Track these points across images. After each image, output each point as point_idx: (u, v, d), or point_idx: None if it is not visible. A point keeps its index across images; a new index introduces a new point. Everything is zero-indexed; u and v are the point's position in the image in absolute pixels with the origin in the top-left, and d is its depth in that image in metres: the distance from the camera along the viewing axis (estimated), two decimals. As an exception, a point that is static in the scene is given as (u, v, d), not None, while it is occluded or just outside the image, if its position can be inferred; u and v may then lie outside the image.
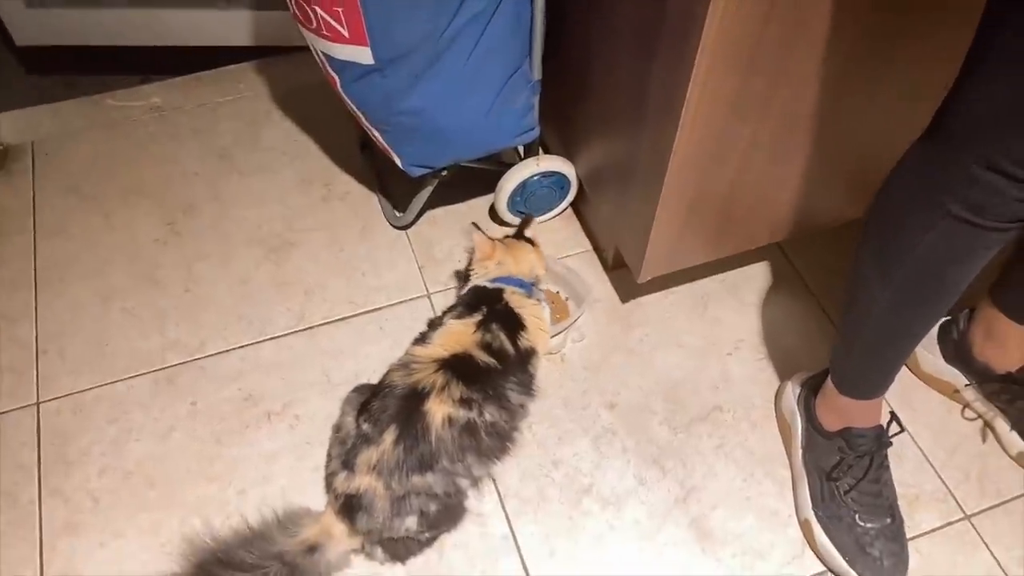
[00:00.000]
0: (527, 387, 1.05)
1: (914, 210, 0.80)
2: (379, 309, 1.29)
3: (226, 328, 1.26)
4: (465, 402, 0.97)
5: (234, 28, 1.60)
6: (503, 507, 1.09)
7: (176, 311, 1.28)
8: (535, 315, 1.09)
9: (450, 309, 1.10)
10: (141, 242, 1.37)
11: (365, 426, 0.97)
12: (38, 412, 1.17)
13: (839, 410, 1.05)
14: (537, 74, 1.16)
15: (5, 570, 1.03)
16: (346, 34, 1.02)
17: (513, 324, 1.05)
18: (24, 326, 1.26)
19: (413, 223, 1.37)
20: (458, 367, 0.99)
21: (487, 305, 1.07)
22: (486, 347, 1.02)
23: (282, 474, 1.12)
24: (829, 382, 1.05)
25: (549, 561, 1.05)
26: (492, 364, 1.01)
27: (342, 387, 1.14)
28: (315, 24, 1.04)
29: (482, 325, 1.03)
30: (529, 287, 1.13)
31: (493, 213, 1.39)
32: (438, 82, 1.08)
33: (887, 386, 1.01)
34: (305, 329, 1.27)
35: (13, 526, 1.07)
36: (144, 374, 1.21)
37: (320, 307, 1.29)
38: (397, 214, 1.37)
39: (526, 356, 1.05)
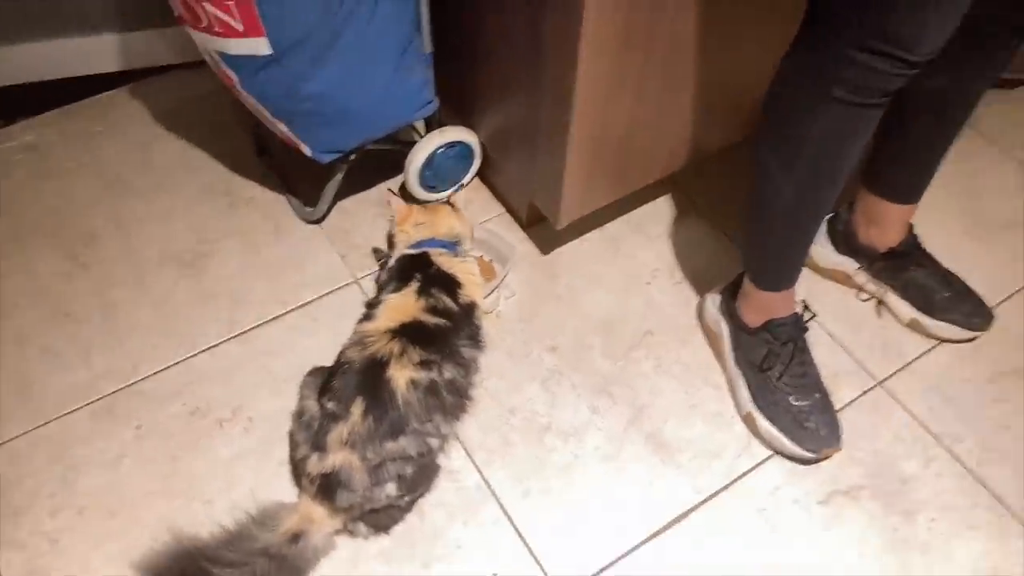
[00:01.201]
0: (476, 340, 1.10)
1: (803, 99, 0.89)
2: (309, 303, 1.30)
3: (156, 348, 1.24)
4: (425, 364, 1.01)
5: (98, 55, 1.55)
6: (472, 460, 1.13)
7: (99, 340, 1.24)
8: (466, 271, 1.15)
9: (384, 286, 1.14)
10: (44, 280, 1.32)
11: (330, 405, 0.99)
12: (-29, 468, 1.11)
13: (760, 305, 1.15)
14: (428, 46, 1.20)
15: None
16: (240, 28, 1.03)
17: (449, 283, 1.11)
18: (-65, 384, 1.19)
19: (326, 215, 1.39)
20: (411, 333, 1.03)
21: (419, 272, 1.11)
22: (432, 310, 1.06)
23: (246, 476, 1.11)
24: (747, 283, 1.15)
25: (524, 500, 1.10)
26: (442, 323, 1.05)
27: (289, 382, 1.14)
28: (205, 23, 1.04)
29: (422, 292, 1.08)
30: (452, 247, 1.17)
31: (405, 193, 1.42)
32: (337, 64, 1.10)
33: (798, 273, 1.12)
34: (238, 335, 1.26)
35: (-30, 586, 1.01)
36: (79, 408, 1.17)
37: (249, 311, 1.28)
38: (308, 209, 1.38)
39: (469, 310, 1.10)
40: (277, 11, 1.01)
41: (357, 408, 0.97)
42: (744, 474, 1.13)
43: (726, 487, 1.12)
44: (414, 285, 1.10)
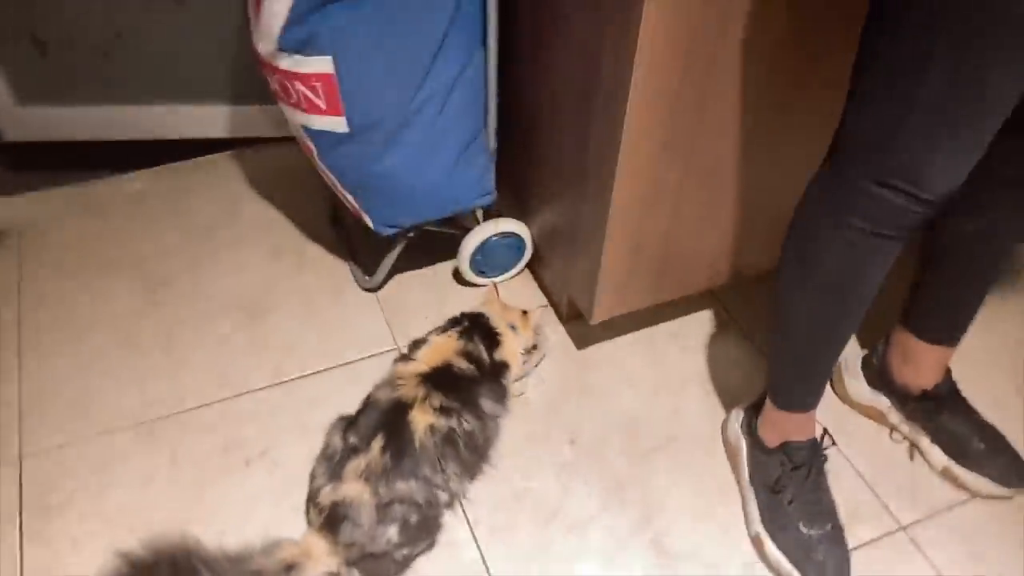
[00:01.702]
0: (500, 399, 1.16)
1: (820, 228, 0.93)
2: (352, 363, 1.37)
3: (205, 385, 1.33)
4: (445, 411, 1.07)
5: (209, 122, 1.74)
6: (473, 534, 1.15)
7: (155, 372, 1.35)
8: (510, 338, 1.23)
9: (433, 330, 1.23)
10: (120, 312, 1.45)
11: (352, 439, 1.06)
12: (21, 466, 1.21)
13: (777, 425, 1.15)
14: (493, 143, 1.31)
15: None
16: (323, 106, 1.16)
17: (492, 339, 1.20)
18: (8, 387, 1.31)
19: (382, 285, 1.48)
20: (437, 378, 1.11)
21: (469, 321, 1.21)
22: (465, 355, 1.14)
23: (262, 515, 1.16)
24: (768, 401, 1.16)
25: (519, 584, 1.11)
26: (469, 371, 1.14)
27: (318, 433, 1.18)
28: (295, 99, 1.18)
29: (464, 334, 1.17)
30: (513, 329, 1.27)
31: (457, 275, 1.51)
32: (405, 148, 1.22)
33: (817, 398, 1.12)
34: (281, 383, 1.34)
35: (-7, 575, 1.09)
36: (124, 429, 1.26)
37: (295, 363, 1.37)
38: (366, 277, 1.48)
39: (499, 368, 1.18)
40: (356, 96, 1.14)
41: (377, 443, 1.04)
42: (744, 595, 1.11)
43: (723, 606, 1.10)
44: (460, 327, 1.20)
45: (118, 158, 1.74)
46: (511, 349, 1.23)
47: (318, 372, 1.36)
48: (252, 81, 1.57)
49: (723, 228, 1.25)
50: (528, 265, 1.53)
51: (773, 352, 1.13)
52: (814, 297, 0.98)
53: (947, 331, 1.19)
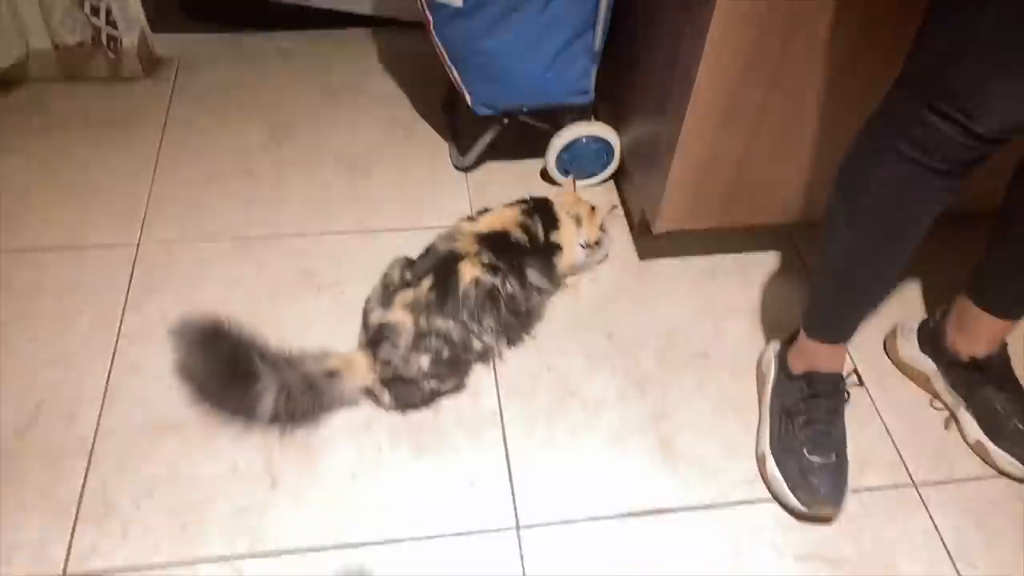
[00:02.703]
0: (546, 274, 1.25)
1: (871, 150, 0.95)
2: (430, 228, 1.48)
3: (300, 219, 1.49)
4: (491, 267, 1.18)
5: (359, -1, 1.89)
6: (497, 390, 1.25)
7: (262, 199, 1.52)
8: (569, 226, 1.31)
9: (503, 205, 1.33)
10: (246, 146, 1.63)
11: (408, 275, 1.19)
12: (137, 250, 1.41)
13: (805, 353, 1.17)
14: (599, 45, 1.37)
15: (85, 356, 1.25)
16: (444, -21, 1.26)
17: (550, 221, 1.29)
18: (141, 185, 1.52)
19: (474, 166, 1.59)
20: (492, 240, 1.22)
21: (535, 202, 1.32)
22: (523, 227, 1.24)
23: (320, 332, 1.30)
24: (801, 330, 1.18)
25: (526, 439, 1.20)
26: (522, 241, 1.24)
27: (383, 277, 1.33)
28: (421, -31, 1.28)
29: (525, 211, 1.28)
30: (573, 218, 1.35)
31: (544, 174, 1.59)
32: (510, 31, 1.30)
33: (848, 332, 1.13)
34: (364, 231, 1.48)
35: (97, 325, 1.29)
36: (225, 239, 1.44)
37: (380, 217, 1.51)
38: (461, 157, 1.59)
39: (551, 248, 1.27)
40: (474, -30, 1.23)
41: (427, 282, 1.16)
42: (734, 503, 1.15)
43: (710, 507, 1.14)
44: (524, 206, 1.30)
45: (274, 18, 1.92)
46: (568, 235, 1.31)
47: (398, 229, 1.49)
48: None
49: (800, 161, 1.26)
50: (614, 179, 1.59)
51: (812, 280, 1.14)
52: (856, 224, 1.00)
53: (1006, 302, 1.15)
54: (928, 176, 0.90)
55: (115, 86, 1.74)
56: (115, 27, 1.64)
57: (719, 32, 1.04)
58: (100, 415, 1.18)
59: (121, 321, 1.30)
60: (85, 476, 1.11)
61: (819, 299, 1.14)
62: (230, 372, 1.11)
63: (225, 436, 1.16)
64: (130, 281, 1.36)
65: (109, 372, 1.23)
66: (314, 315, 1.34)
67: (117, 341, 1.27)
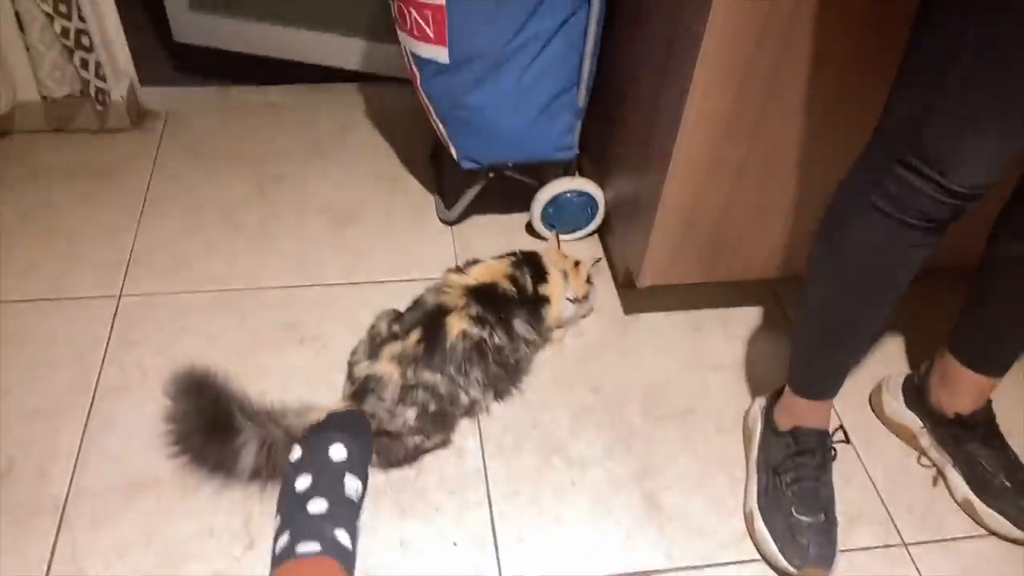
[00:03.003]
0: (533, 326, 1.25)
1: (849, 205, 0.95)
2: (415, 280, 1.49)
3: (283, 271, 1.48)
4: (479, 320, 1.18)
5: (345, 53, 1.91)
6: (481, 448, 1.24)
7: (245, 251, 1.52)
8: (557, 279, 1.32)
9: (493, 257, 1.33)
10: (231, 197, 1.63)
11: (395, 328, 1.18)
12: (118, 302, 1.40)
13: (791, 410, 1.17)
14: (582, 101, 1.39)
15: (60, 410, 1.22)
16: (431, 35, 1.28)
17: (539, 274, 1.30)
18: (125, 236, 1.52)
19: (460, 220, 1.60)
20: (480, 293, 1.21)
21: (523, 255, 1.32)
22: (511, 279, 1.25)
23: (302, 387, 1.29)
24: (786, 386, 1.18)
25: (510, 499, 1.18)
26: (510, 292, 1.24)
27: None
28: (408, 25, 1.30)
29: (514, 264, 1.28)
30: (560, 272, 1.36)
31: (529, 228, 1.60)
32: (495, 87, 1.32)
33: (832, 389, 1.13)
34: (349, 284, 1.48)
35: (76, 378, 1.27)
36: (208, 291, 1.43)
37: (365, 269, 1.50)
38: (446, 210, 1.59)
39: (539, 300, 1.28)
40: (460, 29, 1.24)
41: (415, 335, 1.16)
42: (722, 564, 1.13)
43: (698, 567, 1.12)
44: (513, 258, 1.31)
45: (263, 72, 1.94)
46: (555, 288, 1.31)
47: (383, 282, 1.48)
48: (388, 20, 1.73)
49: (782, 217, 1.27)
50: (599, 233, 1.60)
51: (794, 336, 1.15)
52: (835, 282, 1.00)
53: (988, 359, 1.16)
54: (904, 231, 0.91)
55: (102, 138, 1.75)
56: (104, 80, 1.65)
57: (701, 90, 1.06)
58: (73, 473, 1.15)
59: (99, 375, 1.28)
60: (56, 536, 1.08)
61: (802, 355, 1.14)
62: (211, 425, 1.09)
63: (202, 494, 1.13)
64: (110, 334, 1.34)
65: (84, 428, 1.21)
66: (296, 368, 1.32)
67: (94, 396, 1.25)
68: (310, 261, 1.51)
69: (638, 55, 1.28)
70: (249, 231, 1.56)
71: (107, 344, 1.33)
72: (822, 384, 1.13)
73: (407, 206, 1.65)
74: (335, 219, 1.60)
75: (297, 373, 1.31)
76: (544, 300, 1.28)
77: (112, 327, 1.35)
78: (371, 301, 1.44)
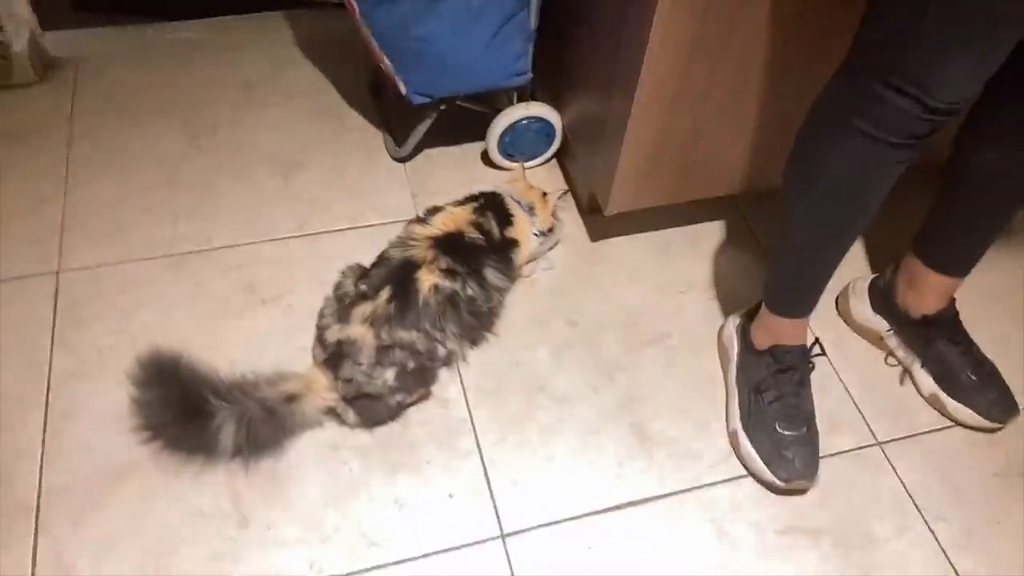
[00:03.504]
0: (504, 272, 1.21)
1: (828, 130, 0.94)
2: (373, 226, 1.43)
3: (234, 227, 1.40)
4: (450, 273, 1.13)
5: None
6: (465, 395, 1.22)
7: (190, 210, 1.42)
8: (523, 219, 1.28)
9: (451, 203, 1.27)
10: (164, 152, 1.52)
11: (363, 287, 1.13)
12: (58, 279, 1.30)
13: (769, 329, 1.18)
14: (534, 23, 1.31)
15: (13, 405, 1.15)
16: (368, -37, 1.18)
17: (504, 217, 1.25)
18: (53, 207, 1.40)
19: (412, 156, 1.52)
20: (448, 244, 1.16)
21: (485, 199, 1.26)
22: (477, 226, 1.20)
23: (271, 350, 1.24)
24: (763, 305, 1.19)
25: (500, 444, 1.17)
26: (478, 240, 1.19)
27: (332, 285, 1.26)
28: (342, -47, 1.19)
29: (478, 210, 1.22)
30: (525, 207, 1.30)
31: (485, 157, 1.54)
32: (443, 15, 1.23)
33: (810, 306, 1.15)
34: (304, 235, 1.41)
35: (24, 368, 1.19)
36: (156, 258, 1.35)
37: (320, 218, 1.43)
38: (397, 147, 1.52)
39: (508, 244, 1.23)
40: (401, -46, 1.15)
41: (384, 294, 1.11)
42: (712, 484, 1.16)
43: (690, 490, 1.15)
44: (475, 204, 1.25)
45: (174, 7, 1.78)
46: (523, 229, 1.27)
47: (340, 230, 1.42)
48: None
49: (748, 135, 1.25)
50: (556, 156, 1.55)
51: (773, 255, 1.15)
52: (816, 202, 0.99)
53: (954, 261, 1.19)
54: (886, 150, 0.90)
55: (8, 96, 1.59)
56: (2, 30, 1.48)
57: (667, 12, 1.00)
58: (41, 470, 1.09)
59: (50, 361, 1.20)
60: (35, 539, 1.03)
61: (781, 278, 1.14)
62: (184, 414, 1.05)
63: (185, 476, 1.09)
64: (54, 315, 1.26)
65: (44, 421, 1.14)
66: (263, 332, 1.27)
67: (49, 385, 1.18)
68: (260, 215, 1.43)
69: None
70: (189, 188, 1.46)
71: (53, 326, 1.24)
72: (801, 302, 1.14)
73: (355, 146, 1.57)
74: (280, 167, 1.51)
75: (265, 337, 1.26)
76: (513, 243, 1.24)
77: (56, 307, 1.27)
78: (331, 253, 1.38)
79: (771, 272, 1.16)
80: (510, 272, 1.24)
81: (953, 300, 1.24)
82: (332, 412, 1.15)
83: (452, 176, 1.52)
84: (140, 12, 1.78)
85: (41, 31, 1.62)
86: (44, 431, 1.13)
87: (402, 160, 1.52)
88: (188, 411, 1.05)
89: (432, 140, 1.52)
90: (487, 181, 1.51)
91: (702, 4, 1.01)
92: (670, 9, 1.00)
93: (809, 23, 1.09)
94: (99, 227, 1.38)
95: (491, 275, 1.19)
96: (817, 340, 1.19)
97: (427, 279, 1.12)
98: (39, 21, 1.61)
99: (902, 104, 0.85)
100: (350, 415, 1.14)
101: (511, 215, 1.26)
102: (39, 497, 1.07)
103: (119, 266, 1.33)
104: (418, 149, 1.52)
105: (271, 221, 1.42)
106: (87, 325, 1.25)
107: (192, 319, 1.27)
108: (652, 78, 1.09)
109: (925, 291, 1.22)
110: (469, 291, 1.16)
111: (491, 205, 1.25)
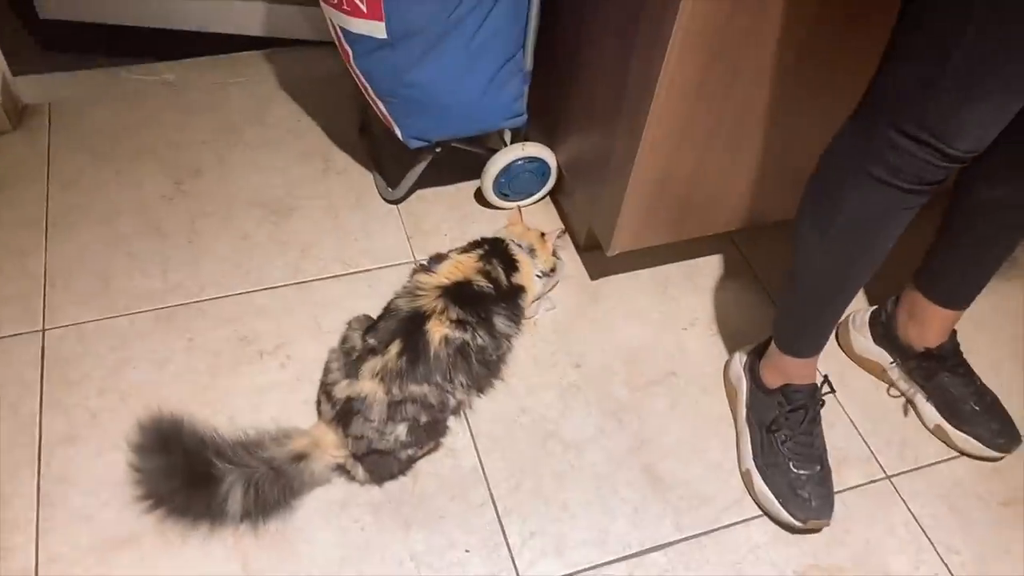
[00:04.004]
0: (513, 320, 1.19)
1: (843, 175, 0.94)
2: (368, 271, 1.40)
3: (225, 277, 1.36)
4: (460, 324, 1.11)
5: (247, 18, 1.73)
6: (475, 444, 1.20)
7: (178, 259, 1.38)
8: (527, 264, 1.26)
9: (453, 250, 1.26)
10: (148, 198, 1.47)
11: (371, 340, 1.10)
12: (43, 338, 1.25)
13: (779, 368, 1.18)
14: (529, 64, 1.30)
15: (4, 474, 1.10)
16: (364, 9, 1.15)
17: (509, 263, 1.23)
18: (34, 260, 1.34)
19: (405, 198, 1.50)
20: (456, 293, 1.14)
21: (490, 245, 1.24)
22: (484, 274, 1.18)
23: (272, 405, 1.20)
24: (772, 345, 1.19)
25: (513, 493, 1.15)
26: (487, 289, 1.17)
27: (331, 334, 1.22)
28: (336, 0, 1.17)
29: (483, 257, 1.20)
30: (526, 249, 1.29)
31: (479, 196, 1.52)
32: (441, 60, 1.21)
33: (821, 345, 1.15)
34: (298, 283, 1.37)
35: (14, 434, 1.14)
36: (145, 311, 1.30)
37: (314, 264, 1.40)
38: (390, 189, 1.49)
39: (515, 291, 1.21)
40: (398, 2, 1.13)
41: (394, 348, 1.08)
42: (729, 526, 1.15)
43: (707, 532, 1.14)
44: (480, 251, 1.23)
45: (149, 47, 1.74)
46: (527, 273, 1.25)
47: (335, 276, 1.39)
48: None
49: (748, 174, 1.26)
50: (552, 197, 1.54)
51: (783, 296, 1.15)
52: (829, 245, 1.00)
53: (957, 295, 1.20)
54: (900, 196, 0.91)
55: (-21, 144, 1.53)
56: (-30, 77, 1.43)
57: (676, 57, 1.00)
58: (37, 542, 1.04)
59: (40, 426, 1.15)
60: (34, 619, 0.98)
61: (792, 319, 1.14)
62: (190, 481, 1.00)
63: (189, 543, 1.05)
64: (41, 376, 1.20)
65: (37, 490, 1.08)
66: (262, 386, 1.23)
67: (40, 451, 1.12)
68: (251, 262, 1.39)
69: (591, 15, 1.20)
70: (175, 236, 1.41)
71: (41, 388, 1.19)
72: (812, 342, 1.14)
73: (345, 187, 1.53)
74: (269, 211, 1.47)
75: (263, 391, 1.22)
76: (520, 289, 1.23)
77: (43, 368, 1.21)
78: (327, 300, 1.35)
79: (781, 313, 1.16)
80: (518, 319, 1.22)
81: (954, 332, 1.26)
82: (341, 469, 1.12)
83: (447, 216, 1.50)
84: (116, 53, 1.73)
85: (12, 76, 1.56)
86: (38, 500, 1.07)
87: (395, 202, 1.50)
88: (194, 478, 1.01)
89: (425, 180, 1.49)
90: (482, 220, 1.50)
91: (708, 51, 1.02)
92: (678, 57, 1.00)
93: (810, 68, 1.10)
94: (84, 280, 1.33)
95: (500, 323, 1.17)
96: (826, 378, 1.19)
97: (437, 331, 1.10)
98: (8, 65, 1.55)
99: (918, 152, 0.85)
100: (360, 471, 1.10)
101: (516, 260, 1.24)
102: (36, 570, 1.01)
103: (107, 321, 1.28)
104: (412, 190, 1.50)
105: (262, 269, 1.38)
106: (77, 385, 1.20)
107: (185, 376, 1.23)
108: (658, 121, 1.09)
109: (928, 325, 1.23)
110: (479, 340, 1.14)
111: (496, 252, 1.23)
